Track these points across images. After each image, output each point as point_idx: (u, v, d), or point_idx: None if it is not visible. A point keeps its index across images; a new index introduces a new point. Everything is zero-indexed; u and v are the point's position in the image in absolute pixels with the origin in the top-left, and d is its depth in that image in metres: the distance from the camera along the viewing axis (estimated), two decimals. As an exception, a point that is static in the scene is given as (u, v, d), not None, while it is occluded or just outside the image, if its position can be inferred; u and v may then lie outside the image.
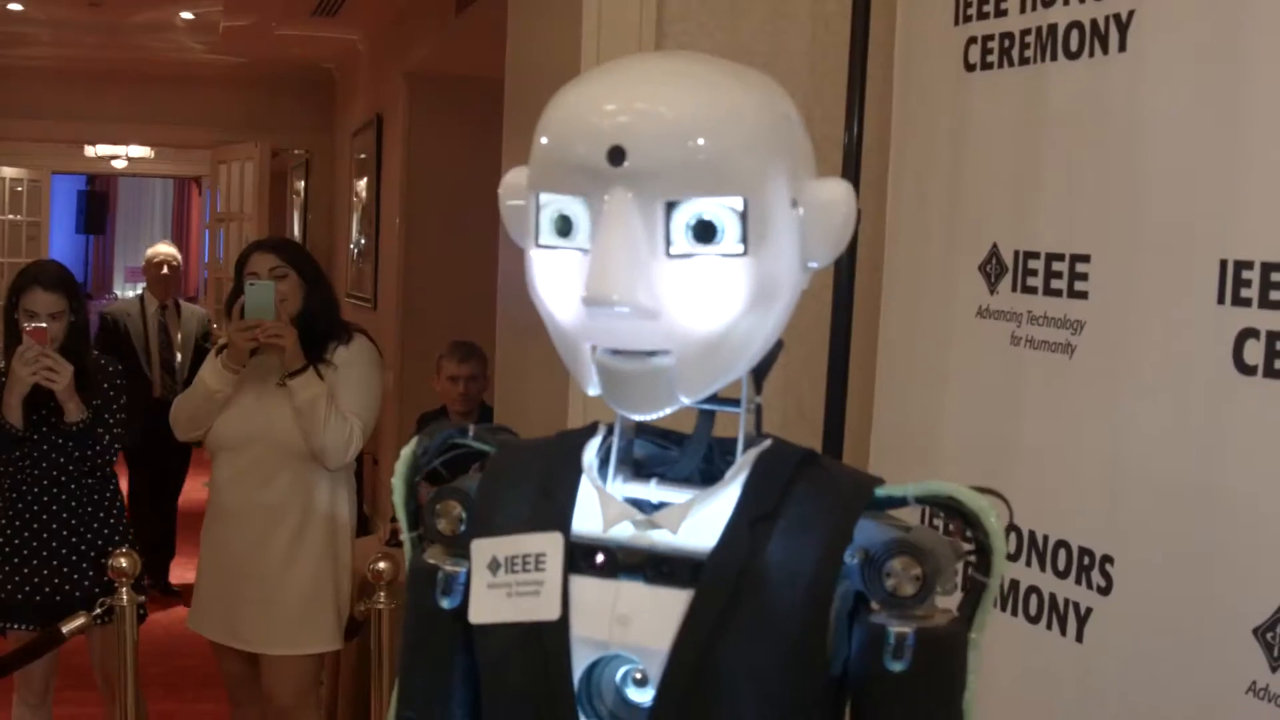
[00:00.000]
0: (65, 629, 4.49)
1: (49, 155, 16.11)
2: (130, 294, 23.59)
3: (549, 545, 1.64)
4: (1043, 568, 2.88)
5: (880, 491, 1.64)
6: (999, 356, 3.03)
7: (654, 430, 1.72)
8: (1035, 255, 2.94)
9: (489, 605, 1.66)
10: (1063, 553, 2.83)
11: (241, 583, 4.76)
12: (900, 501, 1.64)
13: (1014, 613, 2.95)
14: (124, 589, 4.42)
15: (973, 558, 1.64)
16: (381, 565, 4.37)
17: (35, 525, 4.90)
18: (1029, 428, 2.95)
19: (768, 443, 1.66)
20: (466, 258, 6.61)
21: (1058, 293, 2.87)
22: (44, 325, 4.75)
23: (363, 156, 11.57)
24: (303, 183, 14.31)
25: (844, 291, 3.56)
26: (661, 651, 1.58)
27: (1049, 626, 2.86)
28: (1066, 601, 2.82)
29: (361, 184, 11.61)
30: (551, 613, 1.62)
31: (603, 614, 1.62)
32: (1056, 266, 2.88)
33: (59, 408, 4.78)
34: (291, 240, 5.24)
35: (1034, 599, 2.90)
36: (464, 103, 6.95)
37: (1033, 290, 2.95)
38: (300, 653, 4.77)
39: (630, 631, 1.61)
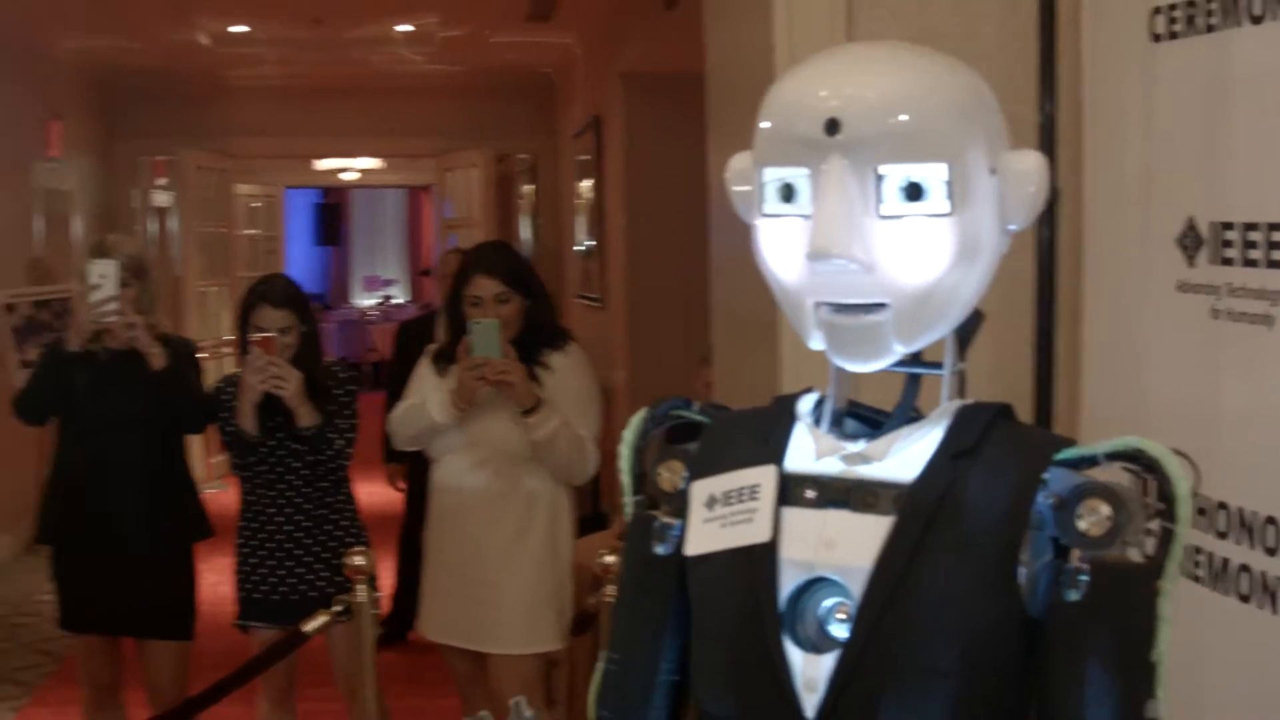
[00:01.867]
0: (306, 628, 4.60)
1: (282, 171, 16.50)
2: (367, 302, 24.22)
3: (763, 477, 1.81)
4: (1252, 545, 2.82)
5: (1072, 452, 1.74)
6: (1200, 330, 2.98)
7: (863, 407, 1.88)
8: (1231, 227, 2.88)
9: (704, 537, 1.83)
10: (1271, 530, 2.78)
11: (464, 583, 4.86)
12: (1091, 460, 1.74)
13: (1225, 592, 2.89)
14: (360, 587, 4.53)
15: (1161, 506, 1.71)
16: (610, 559, 4.38)
17: (270, 528, 5.10)
18: (1232, 402, 2.90)
19: (969, 400, 1.81)
20: (690, 253, 6.62)
21: (1255, 263, 2.81)
22: (271, 335, 4.92)
23: (584, 158, 11.69)
24: (528, 186, 14.48)
25: (1046, 272, 3.54)
26: (863, 569, 1.71)
27: (1260, 605, 2.81)
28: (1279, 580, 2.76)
29: (585, 185, 11.73)
30: (763, 535, 1.77)
31: (810, 538, 1.76)
32: (1253, 237, 2.82)
33: (292, 415, 4.94)
34: (505, 250, 5.27)
35: (1244, 578, 2.85)
36: (679, 100, 6.97)
37: (1230, 262, 2.89)
38: (524, 652, 4.84)
39: (835, 554, 1.74)
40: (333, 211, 24.96)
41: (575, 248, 12.46)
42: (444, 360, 4.93)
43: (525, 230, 14.40)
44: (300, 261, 22.34)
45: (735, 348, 4.54)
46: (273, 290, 5.13)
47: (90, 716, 5.33)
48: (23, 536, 10.29)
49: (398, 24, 11.40)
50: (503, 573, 4.83)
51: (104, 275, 4.95)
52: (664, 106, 9.34)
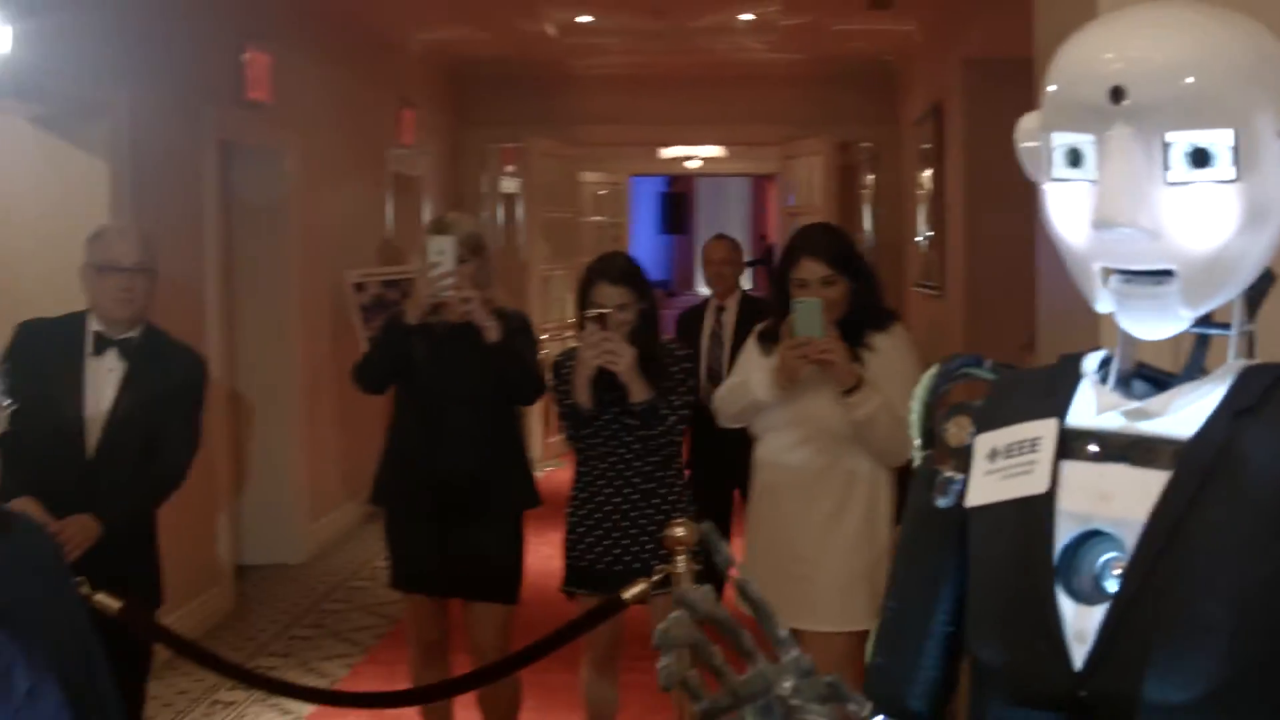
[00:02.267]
0: (626, 595, 4.70)
1: (627, 159, 16.76)
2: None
3: (1044, 430, 1.84)
4: None
5: None
6: None
7: (1150, 368, 1.87)
8: None
9: (985, 488, 1.87)
10: None
11: (781, 559, 4.90)
12: None
13: None
14: (680, 558, 4.59)
15: None
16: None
17: (599, 499, 5.22)
18: None
19: (1256, 360, 1.80)
20: (1032, 244, 6.50)
21: None
22: (607, 311, 5.04)
23: (925, 146, 11.62)
24: (870, 175, 14.43)
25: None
26: (1138, 523, 1.73)
27: None
28: None
29: (925, 175, 11.66)
30: (1040, 486, 1.80)
31: (1087, 491, 1.78)
32: None
33: (626, 390, 5.07)
34: (833, 232, 5.26)
35: None
36: (1022, 85, 6.80)
37: None
38: (837, 630, 4.84)
39: (1111, 506, 1.76)
40: (678, 200, 25.25)
41: (915, 239, 12.38)
42: (769, 339, 4.98)
43: (867, 220, 14.34)
44: (645, 249, 22.67)
45: (1057, 334, 4.49)
46: (611, 267, 5.26)
47: (417, 674, 5.53)
48: (366, 505, 10.75)
49: (739, 13, 11.50)
50: (818, 550, 4.86)
51: (442, 251, 5.13)
52: (1006, 92, 9.12)
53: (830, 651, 4.78)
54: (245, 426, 9.69)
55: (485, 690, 5.49)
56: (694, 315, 8.08)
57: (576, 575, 5.27)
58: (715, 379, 7.16)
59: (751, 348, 5.09)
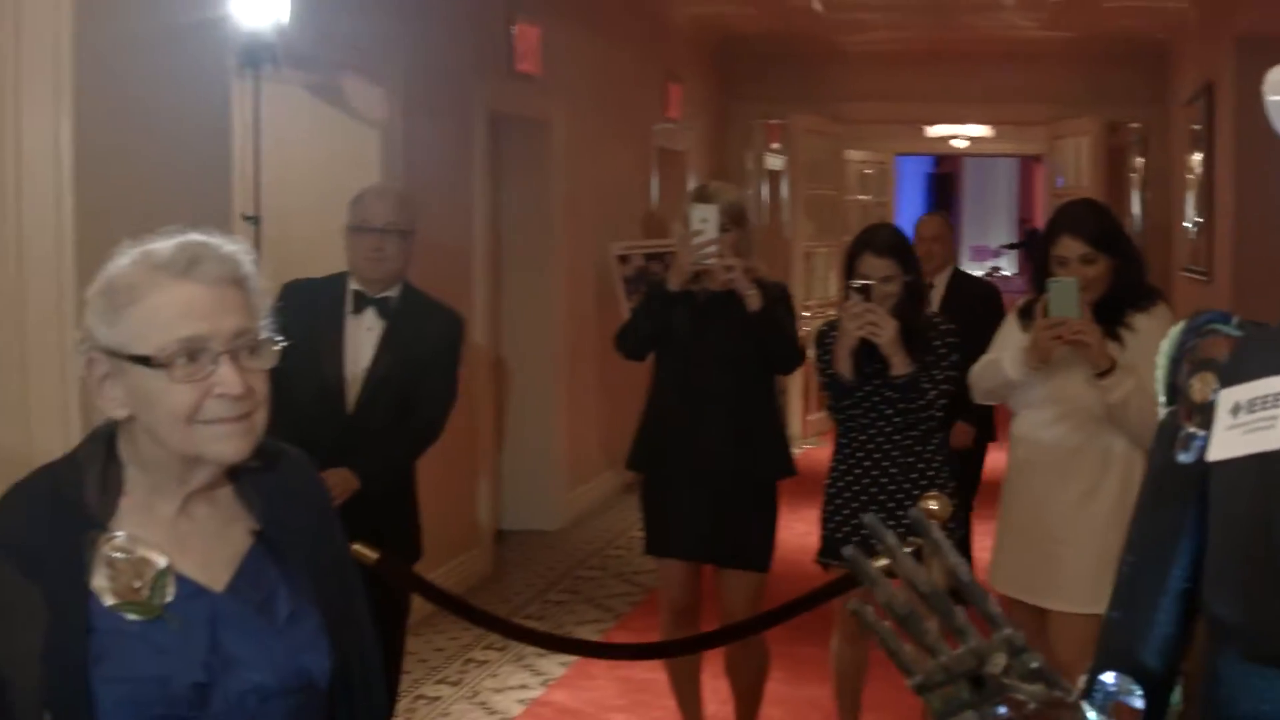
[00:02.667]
0: (875, 565, 4.65)
1: (892, 138, 16.67)
2: (975, 273, 24.20)
3: None
4: None
5: None
6: None
7: None
8: None
9: (1226, 443, 1.84)
10: None
11: (1033, 536, 4.83)
12: None
13: None
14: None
15: None
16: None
17: (858, 471, 5.23)
18: None
19: None
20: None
21: None
22: (871, 282, 5.03)
23: (1195, 128, 11.33)
24: (1139, 158, 14.11)
25: None
26: None
27: None
28: None
29: (1195, 158, 11.37)
30: (1278, 441, 1.76)
31: None
32: None
33: (888, 363, 5.04)
34: (1094, 209, 5.13)
35: None
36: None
37: None
38: (1084, 612, 4.67)
39: None
40: (944, 181, 25.06)
41: (1184, 224, 12.09)
42: (1027, 316, 4.91)
43: (1135, 204, 14.03)
44: (910, 229, 22.51)
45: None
46: (877, 238, 5.25)
47: (667, 636, 5.56)
48: (624, 475, 10.86)
49: (1009, -12, 11.36)
50: (1069, 529, 4.77)
51: (705, 220, 5.16)
52: (1282, 71, 8.95)
53: (1075, 632, 4.65)
54: (507, 394, 9.87)
55: (733, 657, 5.53)
56: None
57: (832, 546, 5.24)
58: None
59: (1011, 323, 5.02)
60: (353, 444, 4.90)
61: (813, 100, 14.04)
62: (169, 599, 2.04)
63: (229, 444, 2.05)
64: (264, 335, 2.09)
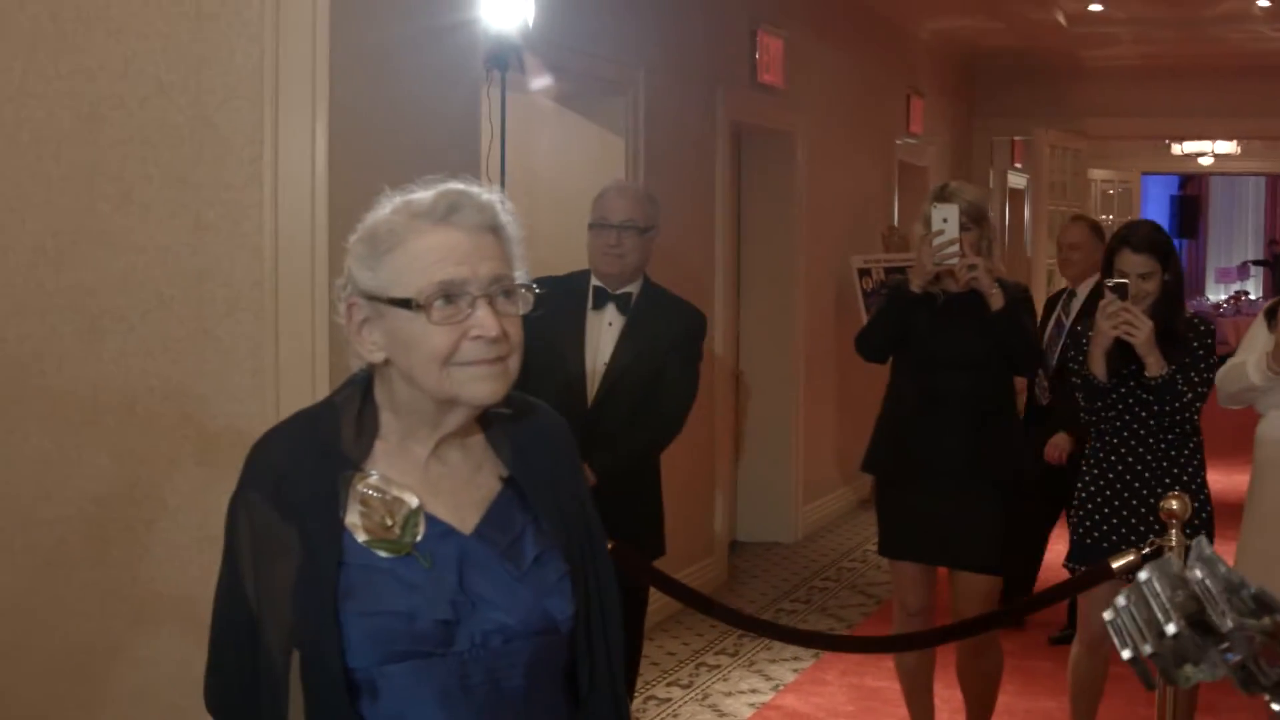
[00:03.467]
0: (1115, 565, 4.56)
1: (1137, 156, 16.38)
2: (1220, 296, 23.61)
3: None
4: None
5: None
6: None
7: None
8: None
9: None
10: None
11: (1276, 538, 4.72)
12: None
13: None
14: (1173, 530, 4.39)
15: None
16: None
17: (1111, 475, 5.09)
18: None
19: None
20: None
21: None
22: (1125, 280, 4.93)
23: None
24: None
25: None
26: None
27: None
28: None
29: None
30: None
31: None
32: None
33: (1143, 363, 4.93)
34: None
35: None
36: None
37: None
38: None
39: None
40: (1190, 203, 24.49)
41: None
42: (1274, 318, 4.80)
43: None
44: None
45: None
46: (1135, 235, 5.11)
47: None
48: (860, 490, 10.82)
49: (1258, 0, 11.08)
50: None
51: (946, 219, 5.13)
52: None
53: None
54: (745, 407, 9.89)
55: (965, 663, 5.46)
56: (1052, 302, 7.78)
57: (1081, 552, 5.14)
58: (1047, 370, 6.88)
59: (1259, 325, 4.92)
60: (591, 439, 4.91)
61: (1057, 116, 13.87)
62: (419, 538, 2.10)
63: (484, 386, 2.11)
64: (519, 281, 2.14)
